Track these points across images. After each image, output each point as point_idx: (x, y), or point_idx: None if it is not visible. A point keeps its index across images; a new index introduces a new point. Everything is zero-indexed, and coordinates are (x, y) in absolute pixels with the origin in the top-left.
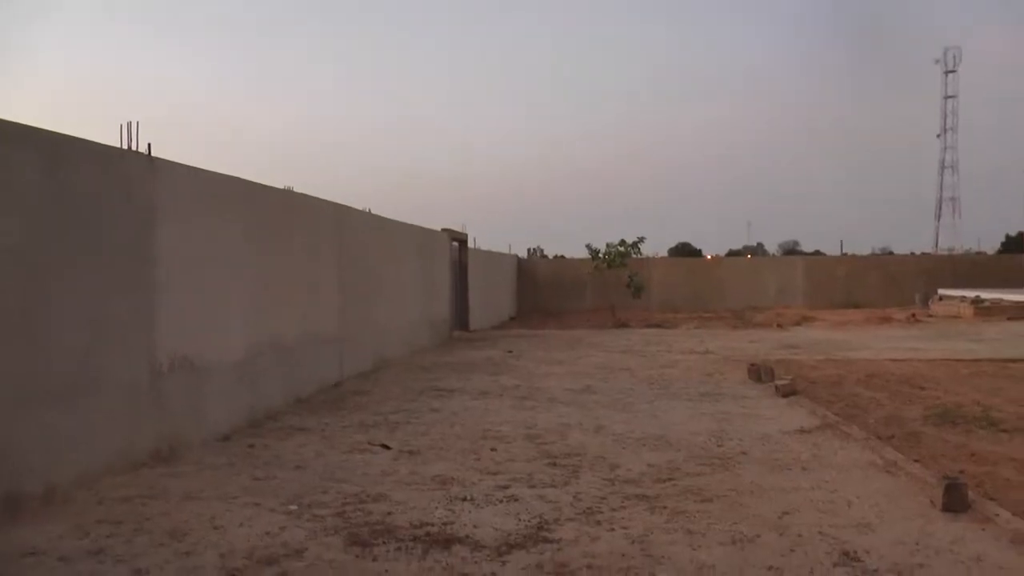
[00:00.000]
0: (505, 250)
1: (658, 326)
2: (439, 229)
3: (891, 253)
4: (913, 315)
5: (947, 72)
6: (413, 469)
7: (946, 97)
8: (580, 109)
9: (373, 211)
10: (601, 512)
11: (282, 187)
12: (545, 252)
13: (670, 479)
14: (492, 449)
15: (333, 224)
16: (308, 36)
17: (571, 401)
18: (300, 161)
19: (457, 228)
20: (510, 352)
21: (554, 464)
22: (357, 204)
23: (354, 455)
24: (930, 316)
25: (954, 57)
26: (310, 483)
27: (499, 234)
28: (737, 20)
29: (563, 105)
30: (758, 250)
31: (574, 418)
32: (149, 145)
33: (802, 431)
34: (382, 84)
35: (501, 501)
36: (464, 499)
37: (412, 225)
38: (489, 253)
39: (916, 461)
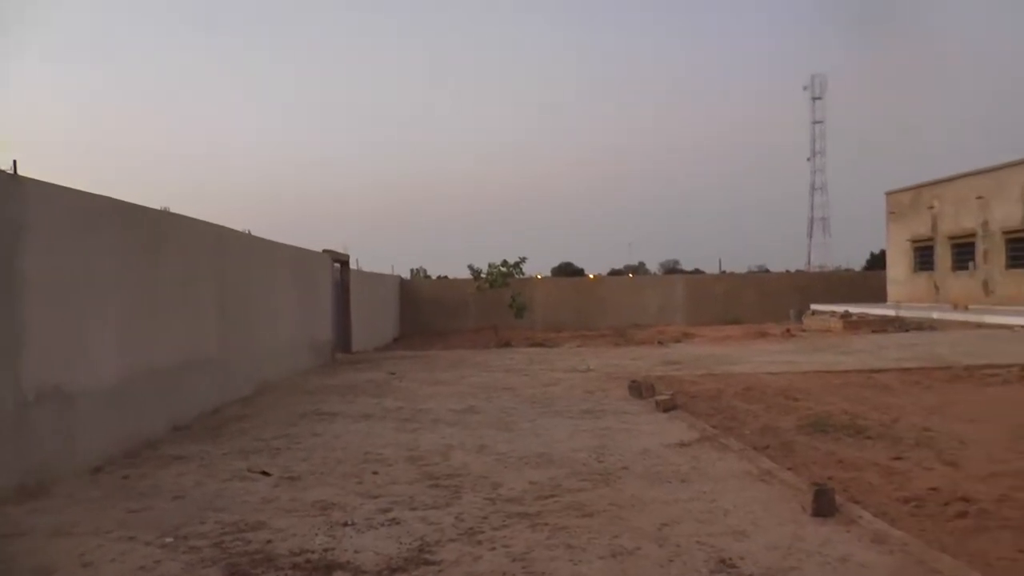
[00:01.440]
0: (388, 271)
1: (541, 345)
2: (321, 250)
3: (767, 271)
4: (788, 330)
5: (815, 99)
6: (294, 495)
7: (814, 122)
8: (464, 131)
9: (253, 232)
10: (483, 532)
11: (158, 208)
12: (429, 273)
13: (552, 496)
14: (374, 472)
15: (212, 245)
16: (182, 50)
17: (454, 422)
18: (179, 183)
19: (339, 249)
20: (393, 374)
21: (436, 485)
22: (237, 225)
23: (234, 483)
24: (803, 331)
25: (820, 84)
26: (188, 513)
27: (382, 255)
28: (617, 39)
29: (447, 127)
30: (640, 269)
31: (457, 438)
32: (15, 162)
33: (681, 444)
34: (266, 107)
35: (383, 525)
36: (345, 524)
37: (293, 246)
38: (372, 274)
39: (789, 469)
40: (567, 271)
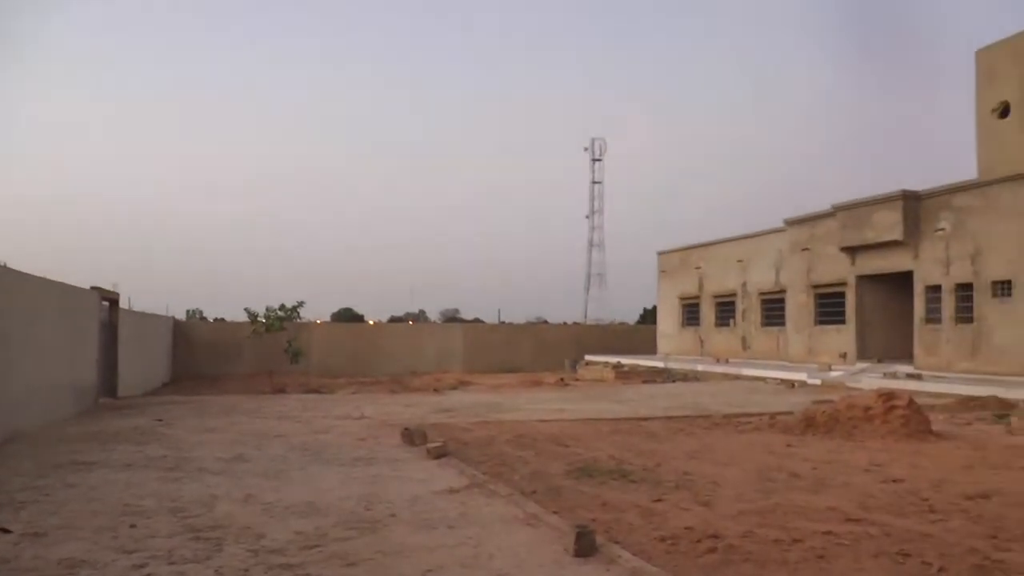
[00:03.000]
0: (163, 311)
1: (316, 391)
2: (88, 287)
3: (546, 322)
4: (562, 379)
5: (594, 160)
6: (37, 553)
7: (593, 182)
8: (242, 170)
9: (8, 265)
10: None
11: None
12: (205, 315)
13: (316, 546)
14: (131, 525)
15: None
16: None
17: (221, 470)
18: None
19: (108, 287)
20: (160, 420)
21: (198, 538)
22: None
23: None
24: (577, 380)
25: (600, 147)
26: None
27: (157, 295)
28: (398, 91)
29: (223, 166)
30: (420, 316)
31: (223, 488)
32: None
33: (451, 491)
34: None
35: None
36: None
37: (54, 281)
38: (143, 314)
39: (555, 513)
40: (347, 316)
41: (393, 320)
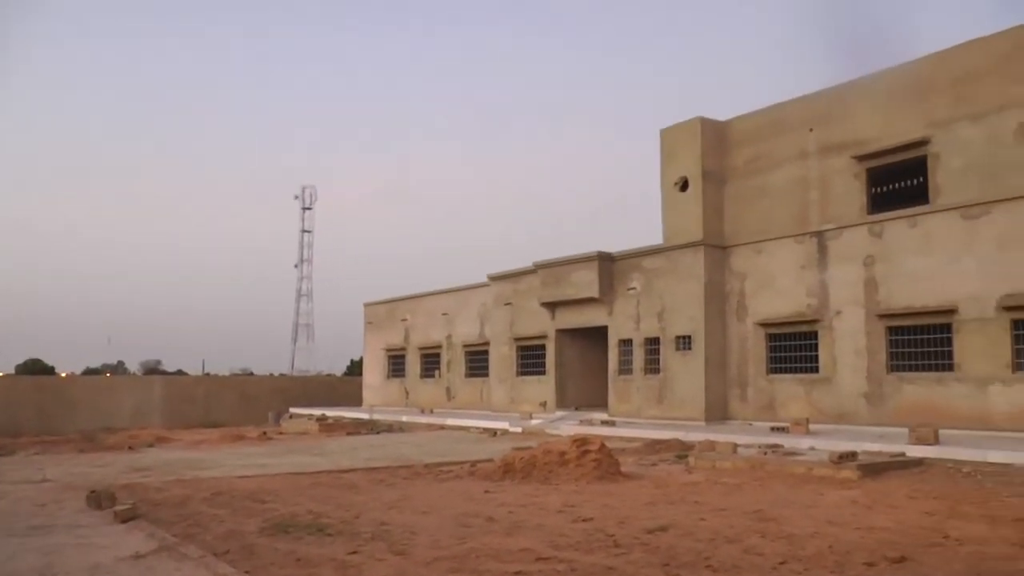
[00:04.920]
0: None
1: None
2: None
3: (251, 374)
4: (264, 433)
5: (304, 209)
6: None
7: (303, 231)
8: None
9: None
10: None
11: None
12: None
13: None
14: None
15: None
16: None
17: None
18: None
19: None
20: None
21: None
22: None
23: None
24: (281, 433)
25: (311, 195)
26: None
27: None
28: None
29: None
30: (119, 368)
31: None
32: None
33: (137, 556)
34: None
35: None
36: None
37: None
38: None
39: (247, 573)
40: (35, 369)
41: (88, 372)
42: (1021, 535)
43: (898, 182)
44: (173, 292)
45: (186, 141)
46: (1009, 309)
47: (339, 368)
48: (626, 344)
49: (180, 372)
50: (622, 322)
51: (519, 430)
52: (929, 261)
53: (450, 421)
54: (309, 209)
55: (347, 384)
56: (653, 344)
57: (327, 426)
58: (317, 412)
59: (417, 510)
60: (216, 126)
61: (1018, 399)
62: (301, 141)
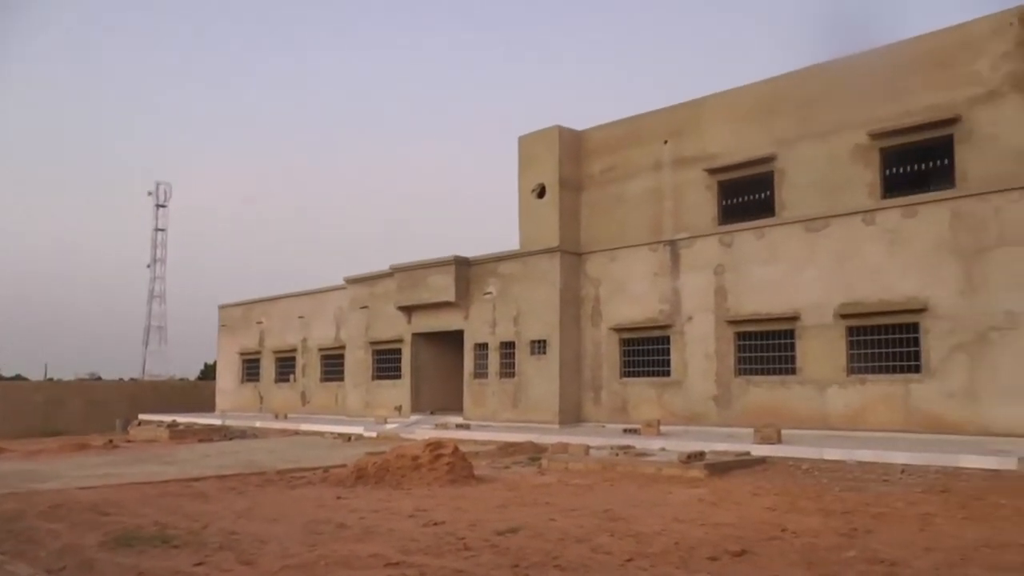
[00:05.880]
0: None
1: None
2: None
3: (99, 379)
4: (111, 441)
5: (158, 206)
6: None
7: (156, 229)
8: None
9: None
10: None
11: None
12: None
13: None
14: None
15: None
16: None
17: None
18: None
19: None
20: None
21: None
22: None
23: None
24: (129, 441)
25: (165, 192)
26: None
27: None
28: None
29: None
30: None
31: None
32: None
33: None
34: None
35: None
36: None
37: None
38: None
39: None
40: None
41: None
42: (849, 526)
43: (747, 195)
44: (11, 292)
45: (29, 132)
46: (845, 317)
47: (193, 372)
48: (482, 348)
49: (19, 378)
50: (478, 326)
51: (374, 435)
52: (775, 270)
53: (305, 426)
54: (164, 207)
55: (201, 389)
56: (509, 348)
57: (178, 433)
58: (168, 419)
59: (267, 518)
60: (60, 114)
61: (852, 400)
62: (156, 135)
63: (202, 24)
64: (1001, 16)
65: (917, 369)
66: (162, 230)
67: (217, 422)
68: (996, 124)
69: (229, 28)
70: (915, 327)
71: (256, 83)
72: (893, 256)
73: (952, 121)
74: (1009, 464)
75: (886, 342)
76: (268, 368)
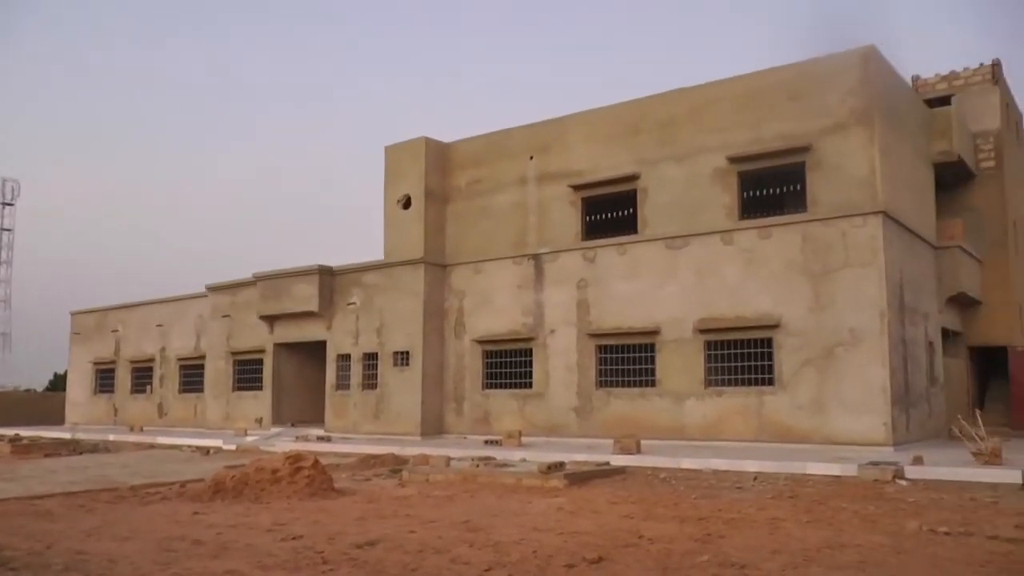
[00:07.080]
0: None
1: None
2: None
3: None
4: None
5: (4, 204)
6: None
7: (2, 229)
8: None
9: None
10: None
11: None
12: None
13: None
14: None
15: None
16: None
17: None
18: None
19: None
20: None
21: None
22: None
23: None
24: None
25: (13, 189)
26: None
27: None
28: None
29: None
30: None
31: None
32: None
33: None
34: None
35: None
36: None
37: None
38: None
39: None
40: None
41: None
42: (703, 532)
43: (611, 212)
44: None
45: None
46: (703, 331)
47: (41, 383)
48: (344, 359)
49: None
50: (341, 337)
51: (233, 448)
52: (636, 286)
53: (161, 439)
54: (10, 205)
55: (49, 400)
56: (371, 359)
57: (22, 448)
58: (10, 432)
59: (118, 536)
60: None
61: (708, 412)
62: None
63: (57, 14)
64: (848, 55)
65: (771, 382)
66: (8, 230)
67: (67, 435)
68: (842, 154)
69: (87, 20)
70: (769, 342)
71: (117, 81)
72: (749, 275)
73: (804, 149)
74: (850, 471)
75: (742, 356)
76: (124, 378)
